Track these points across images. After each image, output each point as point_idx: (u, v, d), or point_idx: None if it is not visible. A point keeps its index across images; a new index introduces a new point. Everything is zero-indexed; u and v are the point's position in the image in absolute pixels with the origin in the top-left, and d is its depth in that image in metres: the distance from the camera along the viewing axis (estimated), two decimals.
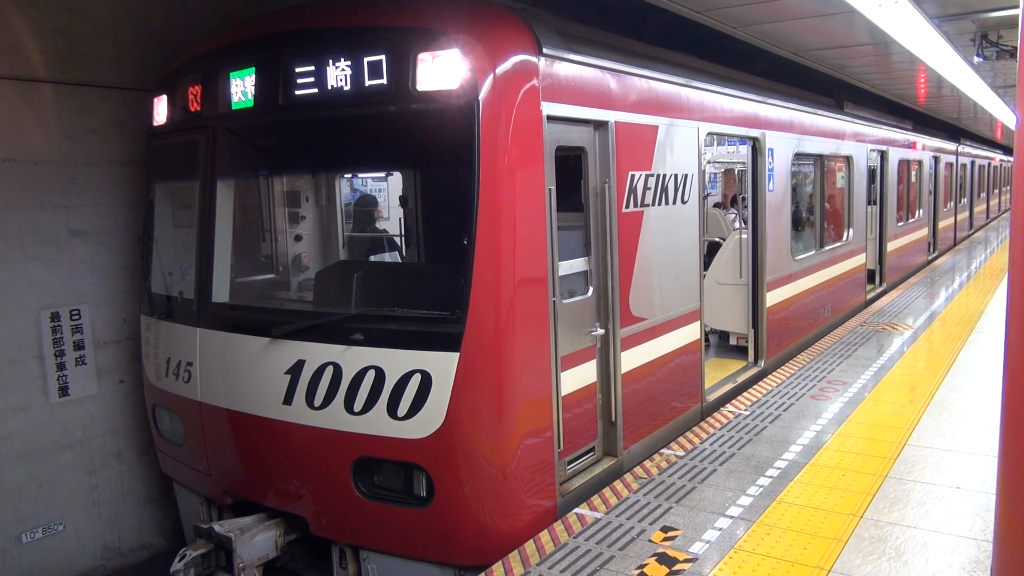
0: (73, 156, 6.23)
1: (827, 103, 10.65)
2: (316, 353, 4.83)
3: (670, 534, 4.57)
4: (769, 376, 7.93)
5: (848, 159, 11.14)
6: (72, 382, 6.30)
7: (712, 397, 7.11)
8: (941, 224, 19.10)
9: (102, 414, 6.53)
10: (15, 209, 5.92)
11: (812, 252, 9.90)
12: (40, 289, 6.09)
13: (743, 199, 8.66)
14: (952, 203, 20.88)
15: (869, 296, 12.57)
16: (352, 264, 6.89)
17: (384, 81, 4.57)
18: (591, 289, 5.37)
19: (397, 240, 7.80)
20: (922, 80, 12.23)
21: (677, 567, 4.19)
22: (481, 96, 4.36)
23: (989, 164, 29.97)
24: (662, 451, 5.91)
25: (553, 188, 4.74)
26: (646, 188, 5.81)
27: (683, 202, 6.39)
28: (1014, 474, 3.11)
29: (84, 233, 6.34)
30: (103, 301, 6.49)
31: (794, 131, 8.97)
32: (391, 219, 9.36)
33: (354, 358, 4.70)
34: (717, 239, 9.92)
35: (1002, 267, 15.99)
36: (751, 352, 8.18)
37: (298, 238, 6.71)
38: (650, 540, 4.50)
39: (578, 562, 4.28)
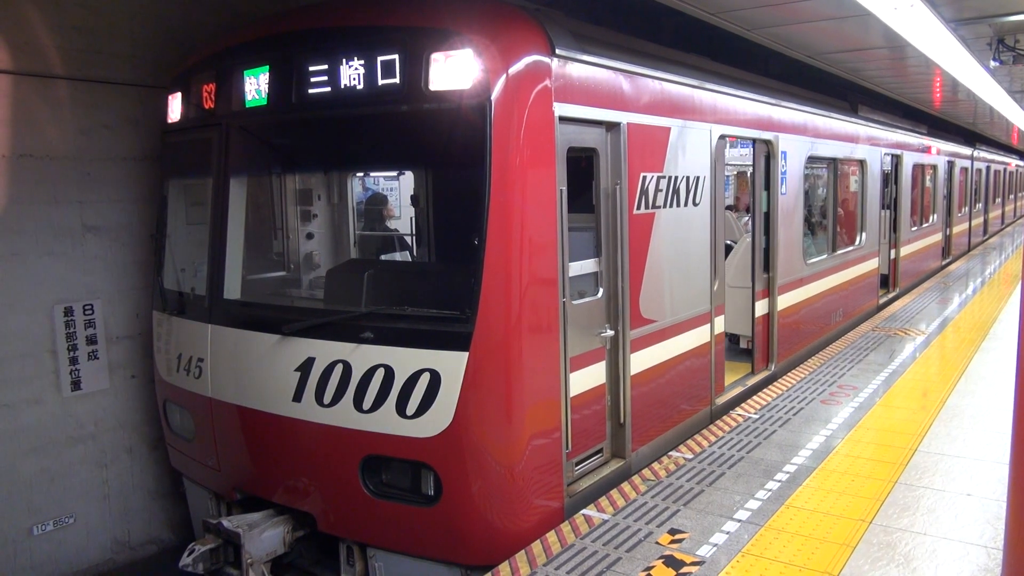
0: (88, 152, 6.27)
1: (841, 106, 10.60)
2: (326, 351, 4.85)
3: (677, 537, 4.55)
4: (779, 380, 7.90)
5: (862, 163, 11.08)
6: (84, 376, 6.35)
7: (721, 400, 7.09)
8: (955, 229, 18.97)
9: (113, 409, 6.58)
10: (30, 204, 5.97)
11: (824, 256, 9.85)
12: (54, 284, 6.14)
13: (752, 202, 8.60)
14: (967, 208, 20.73)
15: (881, 301, 12.50)
16: (363, 263, 6.91)
17: (397, 80, 4.58)
18: (601, 290, 5.37)
19: (408, 239, 7.81)
20: (937, 84, 12.15)
21: (684, 570, 4.18)
22: (493, 96, 4.36)
23: (1005, 169, 29.74)
24: (670, 453, 5.90)
25: (564, 189, 4.74)
26: (657, 190, 5.80)
27: (694, 204, 6.37)
28: None
29: (98, 229, 6.39)
30: (116, 296, 6.54)
31: (808, 134, 8.92)
32: (402, 218, 9.38)
33: (364, 356, 4.71)
34: (728, 242, 9.89)
35: (1016, 273, 15.86)
36: (755, 356, 8.09)
37: (309, 236, 6.73)
38: (657, 542, 4.49)
39: (585, 563, 4.27)
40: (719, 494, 5.13)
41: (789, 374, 8.10)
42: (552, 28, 4.77)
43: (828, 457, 5.75)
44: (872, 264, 11.72)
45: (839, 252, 10.31)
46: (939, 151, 16.56)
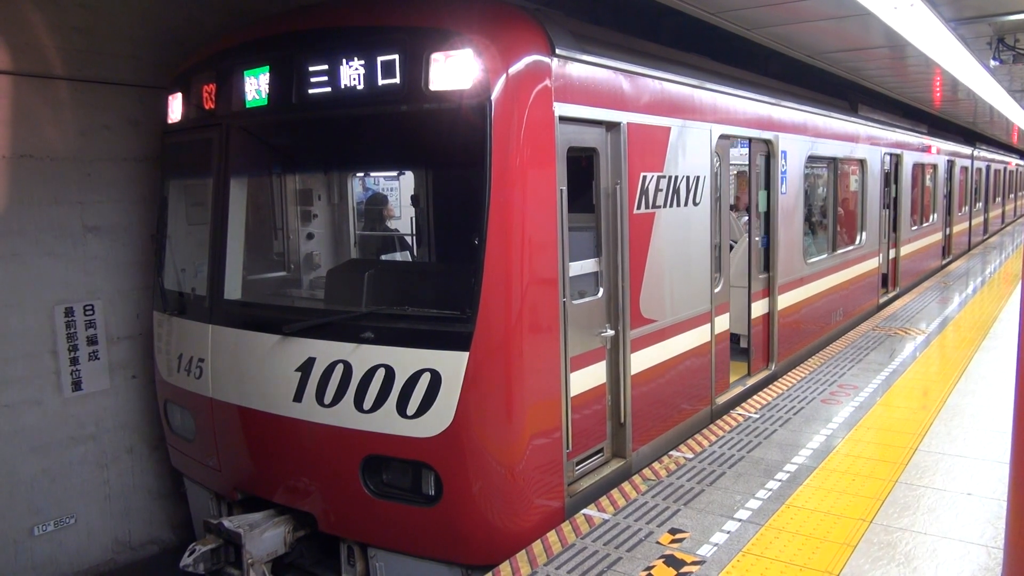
0: (88, 152, 6.28)
1: (841, 106, 10.60)
2: (326, 351, 4.85)
3: (678, 536, 4.56)
4: (780, 379, 7.90)
5: (862, 162, 11.08)
6: (85, 377, 6.35)
7: (722, 400, 7.09)
8: (955, 228, 18.97)
9: (114, 409, 6.58)
10: (31, 205, 5.97)
11: (824, 255, 9.85)
12: (55, 284, 6.14)
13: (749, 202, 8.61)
14: (967, 208, 20.74)
15: (882, 300, 12.50)
16: (363, 263, 6.91)
17: (397, 80, 4.58)
18: (601, 290, 5.37)
19: (408, 239, 7.82)
20: (937, 83, 12.15)
21: (685, 569, 4.19)
22: (493, 96, 4.37)
23: (1005, 168, 29.74)
24: (671, 453, 5.90)
25: (564, 189, 4.74)
26: (658, 190, 5.80)
27: (695, 204, 6.37)
28: None
29: (99, 229, 6.39)
30: (117, 297, 6.54)
31: (808, 134, 8.92)
32: (403, 218, 9.38)
33: (364, 356, 4.71)
34: (730, 242, 9.87)
35: (1016, 273, 15.86)
36: (752, 356, 8.06)
37: (310, 236, 6.73)
38: (658, 542, 4.50)
39: (585, 563, 4.28)
40: (719, 494, 5.13)
41: (789, 373, 8.10)
42: (552, 28, 4.77)
43: (828, 456, 5.75)
44: (872, 263, 11.72)
45: (839, 251, 10.31)
46: (939, 150, 16.56)
